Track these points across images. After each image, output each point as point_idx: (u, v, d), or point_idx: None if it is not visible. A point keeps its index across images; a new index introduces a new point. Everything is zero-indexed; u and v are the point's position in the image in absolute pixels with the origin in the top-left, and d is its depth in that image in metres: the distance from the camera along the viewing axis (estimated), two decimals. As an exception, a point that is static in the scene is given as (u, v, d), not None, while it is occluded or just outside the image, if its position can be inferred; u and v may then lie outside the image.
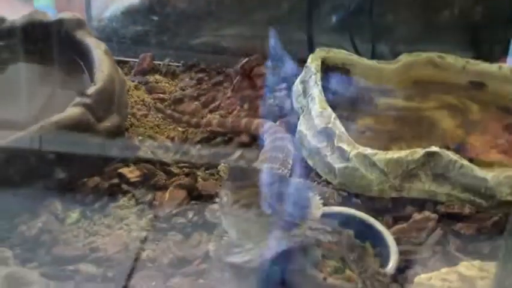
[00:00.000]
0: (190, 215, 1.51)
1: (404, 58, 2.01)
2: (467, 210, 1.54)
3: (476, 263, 1.33)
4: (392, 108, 1.90)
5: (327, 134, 1.66)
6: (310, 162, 1.70)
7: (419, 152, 1.56)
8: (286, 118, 1.86)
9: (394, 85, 1.98)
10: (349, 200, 1.59)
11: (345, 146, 1.60)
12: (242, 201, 1.16)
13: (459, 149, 1.66)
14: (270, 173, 1.20)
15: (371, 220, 1.45)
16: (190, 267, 1.37)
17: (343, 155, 1.61)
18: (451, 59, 2.01)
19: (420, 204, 1.58)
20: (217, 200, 1.25)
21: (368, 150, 1.58)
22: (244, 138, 1.79)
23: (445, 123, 1.84)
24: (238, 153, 1.74)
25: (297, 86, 1.90)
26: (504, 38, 2.21)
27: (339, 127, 1.65)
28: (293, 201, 1.20)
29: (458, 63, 2.01)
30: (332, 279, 1.20)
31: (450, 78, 2.00)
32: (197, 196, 1.57)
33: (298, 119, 1.82)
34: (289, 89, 1.99)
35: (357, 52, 2.12)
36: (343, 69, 1.97)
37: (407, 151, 1.57)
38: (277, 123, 1.83)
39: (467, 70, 2.00)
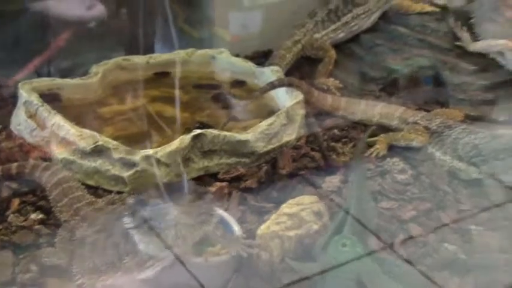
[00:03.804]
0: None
1: (96, 69, 2.15)
2: (242, 170, 1.84)
3: (292, 201, 1.64)
4: (117, 114, 2.06)
5: (99, 151, 1.77)
6: (91, 183, 1.79)
7: (187, 138, 1.79)
8: (37, 153, 1.88)
9: (101, 94, 2.13)
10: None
11: (127, 155, 1.74)
12: None
13: (201, 127, 1.92)
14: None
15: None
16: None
17: (127, 163, 1.75)
18: (136, 58, 2.23)
19: (201, 181, 1.82)
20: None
21: (150, 151, 1.75)
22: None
23: (168, 112, 2.07)
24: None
25: (26, 122, 1.92)
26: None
27: (109, 141, 1.77)
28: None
29: (142, 60, 2.24)
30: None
31: (142, 75, 2.22)
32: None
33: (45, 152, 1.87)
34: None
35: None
36: (53, 95, 2.05)
37: (177, 140, 1.79)
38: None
39: (151, 64, 2.25)
